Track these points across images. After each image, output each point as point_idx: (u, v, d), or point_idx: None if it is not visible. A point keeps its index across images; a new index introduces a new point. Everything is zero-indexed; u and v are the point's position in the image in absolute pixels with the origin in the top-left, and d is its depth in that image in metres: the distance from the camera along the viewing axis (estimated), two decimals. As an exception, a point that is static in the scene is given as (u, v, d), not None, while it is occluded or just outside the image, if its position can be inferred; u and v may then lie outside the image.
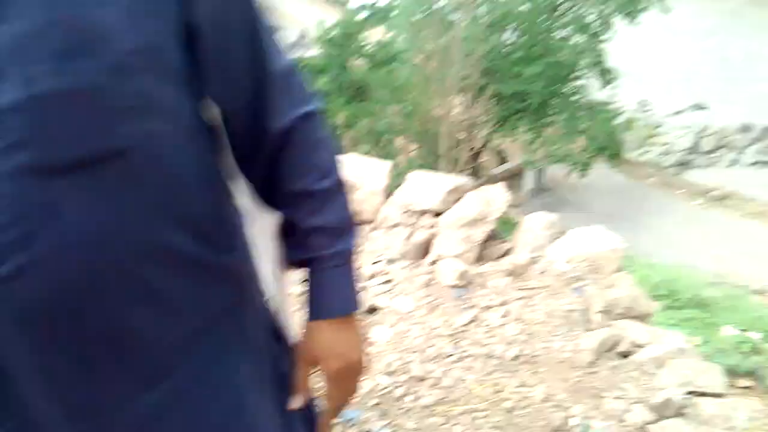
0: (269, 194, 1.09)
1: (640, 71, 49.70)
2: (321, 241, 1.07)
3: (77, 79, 0.67)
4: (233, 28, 0.87)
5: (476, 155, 27.38)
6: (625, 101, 32.06)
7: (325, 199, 1.04)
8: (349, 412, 3.43)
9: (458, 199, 4.94)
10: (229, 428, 0.96)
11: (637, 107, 43.67)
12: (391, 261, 4.78)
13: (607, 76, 26.03)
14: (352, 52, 26.66)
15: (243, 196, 1.09)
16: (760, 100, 42.72)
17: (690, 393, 3.84)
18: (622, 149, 30.64)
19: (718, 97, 44.19)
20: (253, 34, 0.91)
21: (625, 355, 4.19)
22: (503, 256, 4.89)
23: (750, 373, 7.54)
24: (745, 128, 38.48)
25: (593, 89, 27.06)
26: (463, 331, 4.27)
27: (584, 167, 25.70)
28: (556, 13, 25.55)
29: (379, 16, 27.35)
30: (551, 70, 24.15)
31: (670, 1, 51.46)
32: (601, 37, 25.76)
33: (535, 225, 5.06)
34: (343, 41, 26.63)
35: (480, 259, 4.86)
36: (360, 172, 5.13)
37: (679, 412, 3.71)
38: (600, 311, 4.36)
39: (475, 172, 27.22)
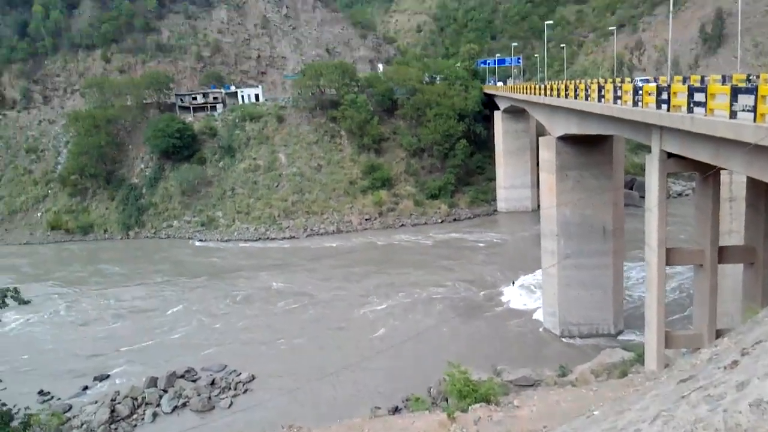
0: None
1: (30, 363, 46.39)
2: None
3: None
4: None
5: None
6: (20, 399, 28.49)
7: None
8: None
9: None
10: None
11: (39, 398, 40.01)
12: None
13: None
14: None
15: None
16: (155, 354, 46.13)
17: None
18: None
19: (117, 362, 45.35)
20: None
21: None
22: None
23: None
24: (152, 382, 40.47)
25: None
26: None
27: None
28: None
29: None
30: None
31: (38, 293, 51.03)
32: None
33: None
34: None
35: None
36: None
37: None
38: None
39: None
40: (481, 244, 70.57)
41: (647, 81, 42.36)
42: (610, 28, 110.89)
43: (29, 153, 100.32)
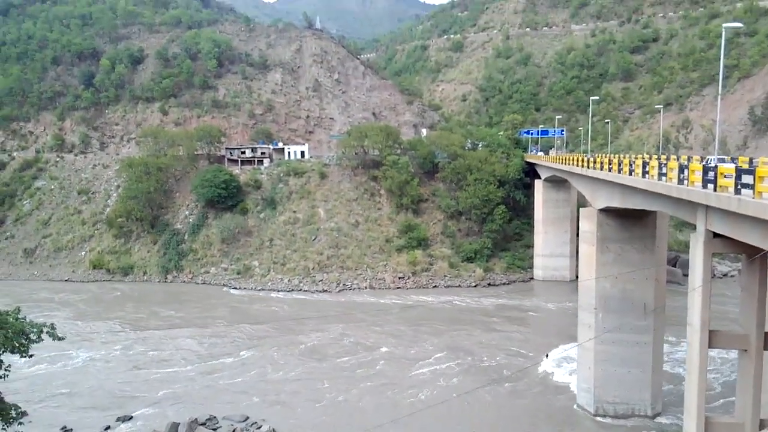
0: None
1: (67, 400, 46.82)
2: None
3: None
4: None
5: None
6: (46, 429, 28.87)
7: None
8: None
9: None
10: None
11: (62, 434, 40.38)
12: None
13: (9, 413, 22.87)
14: None
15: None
16: (193, 399, 45.94)
17: None
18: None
19: (141, 404, 45.32)
20: None
21: None
22: None
23: None
24: (174, 427, 40.12)
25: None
26: None
27: None
28: None
29: None
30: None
31: (68, 327, 51.97)
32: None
33: None
34: None
35: None
36: None
37: None
38: None
39: None
40: (515, 312, 69.07)
41: (722, 161, 40.61)
42: (657, 105, 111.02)
43: (81, 194, 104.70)
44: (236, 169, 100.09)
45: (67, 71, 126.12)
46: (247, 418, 41.52)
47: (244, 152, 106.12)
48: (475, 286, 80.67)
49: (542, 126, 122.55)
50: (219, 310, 71.99)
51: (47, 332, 27.31)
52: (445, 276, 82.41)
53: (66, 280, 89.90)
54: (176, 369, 52.84)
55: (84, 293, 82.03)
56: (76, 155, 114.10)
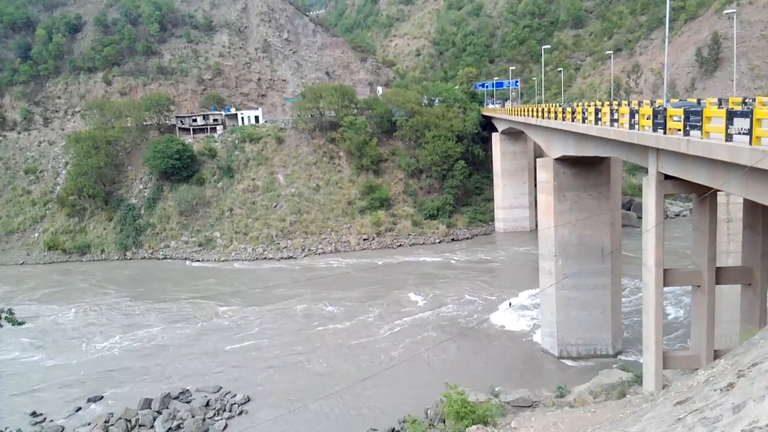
0: None
1: (22, 383, 45.85)
2: None
3: None
4: None
5: None
6: (10, 421, 28.28)
7: None
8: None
9: None
10: None
11: (31, 420, 39.51)
12: None
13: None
14: None
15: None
16: (151, 375, 45.59)
17: None
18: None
19: (111, 383, 44.78)
20: None
21: None
22: None
23: None
24: (146, 404, 39.93)
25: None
26: None
27: None
28: None
29: None
30: None
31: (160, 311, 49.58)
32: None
33: None
34: None
35: None
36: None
37: None
38: None
39: None
40: (479, 264, 70.29)
41: None
42: (607, 52, 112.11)
43: (28, 174, 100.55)
44: (189, 138, 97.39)
45: (0, 44, 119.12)
46: (221, 388, 41.56)
47: (195, 120, 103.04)
48: (439, 242, 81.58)
49: (497, 78, 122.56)
50: (220, 283, 70.69)
51: (6, 318, 26.27)
52: (409, 234, 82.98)
53: (21, 264, 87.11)
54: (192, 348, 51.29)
55: (92, 275, 77.73)
56: (19, 133, 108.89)
